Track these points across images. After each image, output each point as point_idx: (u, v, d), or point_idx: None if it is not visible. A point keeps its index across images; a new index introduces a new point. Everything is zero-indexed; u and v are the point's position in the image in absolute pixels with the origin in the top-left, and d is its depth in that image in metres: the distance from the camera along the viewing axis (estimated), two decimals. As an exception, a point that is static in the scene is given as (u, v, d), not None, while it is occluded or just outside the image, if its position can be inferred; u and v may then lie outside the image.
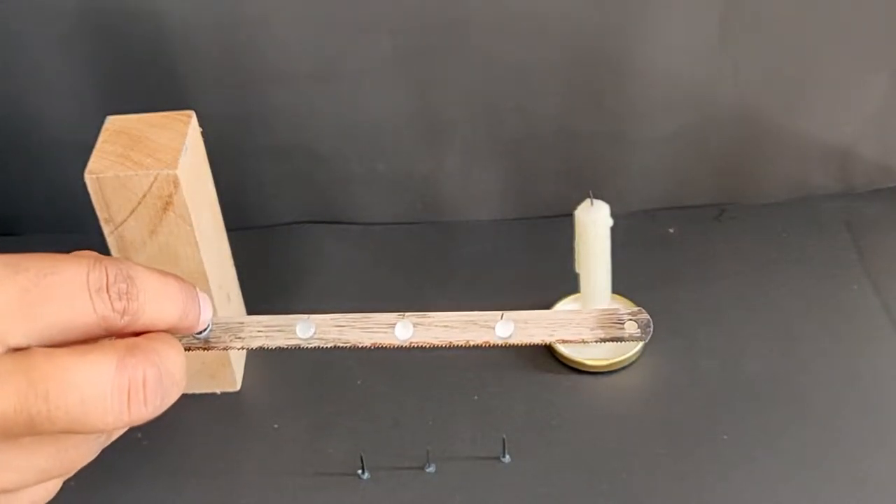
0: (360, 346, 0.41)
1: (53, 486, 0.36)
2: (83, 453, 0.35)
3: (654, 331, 0.66)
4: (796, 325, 0.68)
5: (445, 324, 0.41)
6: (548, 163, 0.76)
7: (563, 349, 0.66)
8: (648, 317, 0.41)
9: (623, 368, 0.66)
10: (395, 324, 0.41)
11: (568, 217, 0.63)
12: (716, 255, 0.74)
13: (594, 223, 0.62)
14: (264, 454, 0.63)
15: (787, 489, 0.58)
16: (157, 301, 0.35)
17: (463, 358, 0.67)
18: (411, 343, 0.41)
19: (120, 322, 0.34)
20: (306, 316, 0.41)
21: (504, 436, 0.60)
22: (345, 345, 0.41)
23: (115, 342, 0.34)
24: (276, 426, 0.64)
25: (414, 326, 0.41)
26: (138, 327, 0.35)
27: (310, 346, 0.41)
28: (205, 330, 0.40)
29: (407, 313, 0.41)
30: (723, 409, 0.63)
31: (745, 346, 0.66)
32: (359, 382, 0.66)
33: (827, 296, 0.70)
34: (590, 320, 0.41)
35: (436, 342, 0.41)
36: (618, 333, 0.41)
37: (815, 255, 0.73)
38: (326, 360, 0.68)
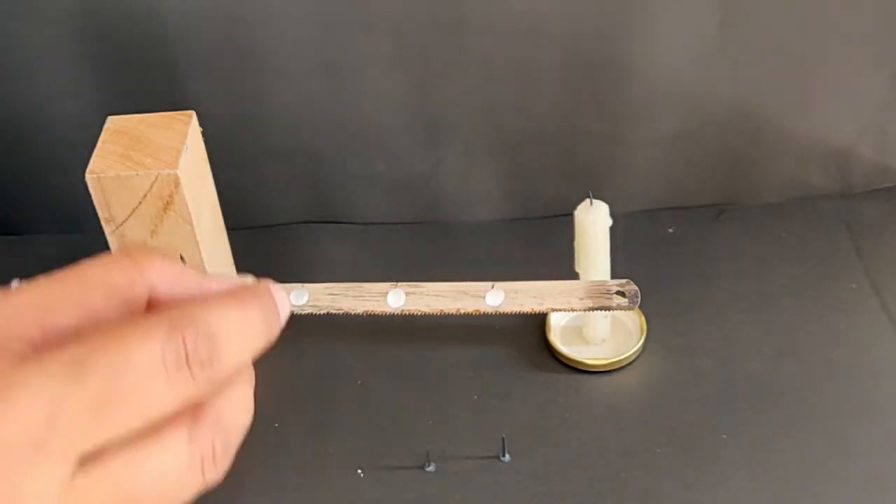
0: (352, 313, 0.41)
1: None
2: None
3: (654, 330, 0.67)
4: (795, 325, 0.68)
5: (437, 293, 0.41)
6: (548, 163, 0.76)
7: (564, 349, 0.66)
8: (636, 287, 0.41)
9: (623, 368, 0.66)
10: (387, 292, 0.41)
11: (568, 217, 0.63)
12: (716, 255, 0.74)
13: (594, 223, 0.62)
14: (265, 453, 0.63)
15: (787, 489, 0.58)
16: (242, 347, 0.32)
17: (463, 358, 0.67)
18: (403, 311, 0.41)
19: (203, 392, 0.31)
20: (300, 284, 0.41)
21: (504, 435, 0.60)
22: (337, 311, 0.41)
23: (180, 414, 0.31)
24: (276, 425, 0.64)
25: (406, 295, 0.41)
26: (225, 380, 0.32)
27: (303, 312, 0.41)
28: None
29: (399, 283, 0.41)
30: (723, 409, 0.63)
31: (744, 346, 0.67)
32: (359, 382, 0.66)
33: (827, 296, 0.70)
34: (579, 290, 0.41)
35: (427, 310, 0.41)
36: (606, 303, 0.41)
37: (815, 255, 0.73)
38: (327, 359, 0.68)
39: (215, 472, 0.32)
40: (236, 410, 0.33)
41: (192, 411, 0.32)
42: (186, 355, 0.30)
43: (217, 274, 0.43)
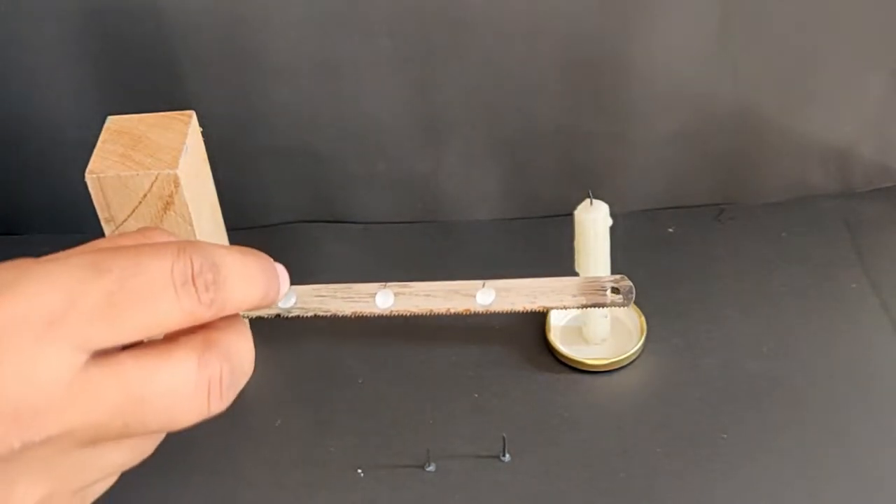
0: (340, 315, 0.41)
1: (118, 474, 0.37)
2: (153, 444, 0.36)
3: (654, 330, 0.67)
4: (796, 325, 0.68)
5: (427, 293, 0.41)
6: (548, 163, 0.76)
7: (564, 349, 0.66)
8: (630, 283, 0.40)
9: (623, 368, 0.66)
10: (375, 293, 0.41)
11: (568, 217, 0.63)
12: (716, 255, 0.74)
13: (594, 223, 0.62)
14: (266, 452, 0.63)
15: (787, 489, 0.58)
16: (242, 286, 0.35)
17: (463, 358, 0.67)
18: (392, 312, 0.41)
19: (207, 314, 0.33)
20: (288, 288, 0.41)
21: (504, 435, 0.60)
22: (325, 314, 0.41)
23: (192, 338, 0.34)
24: (277, 423, 0.64)
25: (395, 296, 0.41)
26: (224, 314, 0.34)
27: (290, 315, 0.40)
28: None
29: (388, 283, 0.41)
30: (723, 409, 0.63)
31: (744, 346, 0.67)
32: (360, 381, 0.66)
33: (827, 296, 0.70)
34: (572, 287, 0.40)
35: (417, 310, 0.41)
36: (600, 300, 0.40)
37: (815, 255, 0.73)
38: (328, 358, 0.68)
39: (220, 402, 0.34)
40: (241, 352, 0.35)
41: (203, 339, 0.34)
42: (193, 275, 0.33)
43: None
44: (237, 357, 0.35)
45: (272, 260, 0.37)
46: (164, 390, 0.32)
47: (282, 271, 0.38)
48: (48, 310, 0.31)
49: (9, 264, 0.32)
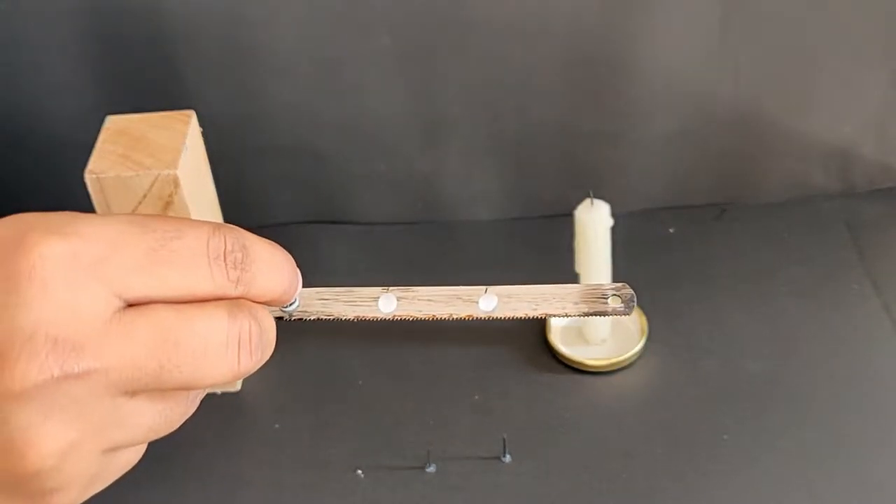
0: (343, 318, 0.41)
1: (143, 448, 0.37)
2: (184, 412, 0.37)
3: (654, 331, 0.67)
4: (796, 325, 0.68)
5: (429, 297, 0.41)
6: (548, 162, 0.76)
7: (564, 350, 0.66)
8: (632, 291, 0.41)
9: (623, 368, 0.66)
10: (378, 297, 0.41)
11: (568, 217, 0.63)
12: (716, 255, 0.74)
13: (594, 223, 0.62)
14: (265, 454, 0.63)
15: (787, 489, 0.58)
16: (268, 272, 0.36)
17: (463, 358, 0.67)
18: (395, 316, 0.41)
19: (234, 291, 0.35)
20: None
21: (504, 436, 0.60)
22: (328, 317, 0.41)
23: (221, 301, 0.35)
24: (276, 426, 0.64)
25: (398, 300, 0.41)
26: (249, 297, 0.36)
27: (292, 318, 0.41)
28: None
29: (391, 287, 0.41)
30: (723, 409, 0.63)
31: (745, 346, 0.66)
32: (359, 382, 0.66)
33: (827, 296, 0.70)
34: (573, 295, 0.41)
35: (419, 315, 0.41)
36: (601, 308, 0.40)
37: (815, 255, 0.73)
38: (327, 359, 0.68)
39: (250, 359, 0.35)
40: (267, 321, 0.36)
41: (233, 301, 0.35)
42: (225, 252, 0.35)
43: None
44: (264, 321, 0.36)
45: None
46: (199, 336, 0.34)
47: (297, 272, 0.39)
48: (95, 252, 0.33)
49: (61, 213, 0.34)
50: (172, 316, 0.34)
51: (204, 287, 0.34)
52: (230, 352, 0.35)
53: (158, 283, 0.34)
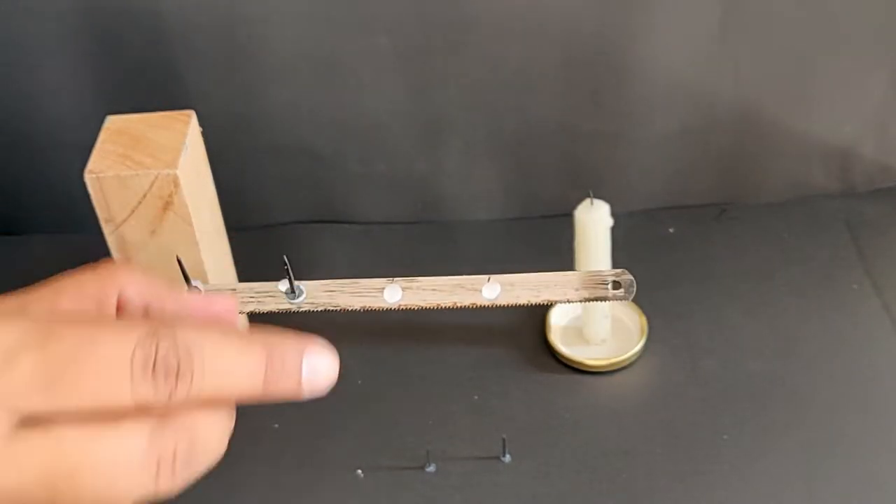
0: (349, 309, 0.41)
1: None
2: None
3: (654, 331, 0.67)
4: (796, 325, 0.68)
5: (434, 287, 0.41)
6: (548, 162, 0.76)
7: (564, 349, 0.66)
8: (632, 277, 0.41)
9: (623, 368, 0.66)
10: (383, 288, 0.41)
11: (568, 217, 0.63)
12: (716, 255, 0.74)
13: (594, 223, 0.62)
14: (264, 454, 0.63)
15: (788, 489, 0.58)
16: (225, 375, 0.32)
17: (462, 358, 0.67)
18: (400, 306, 0.41)
19: (164, 402, 0.31)
20: (296, 282, 0.42)
21: (504, 436, 0.60)
22: (335, 308, 0.41)
23: (145, 415, 0.31)
24: (276, 426, 0.64)
25: (403, 290, 0.41)
26: (192, 405, 0.31)
27: (300, 310, 0.41)
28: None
29: (396, 278, 0.42)
30: (723, 409, 0.63)
31: (745, 346, 0.66)
32: (359, 382, 0.66)
33: (827, 296, 0.70)
34: (574, 281, 0.41)
35: (424, 305, 0.41)
36: (602, 293, 0.41)
37: (815, 255, 0.73)
38: (326, 359, 0.68)
39: (171, 481, 0.31)
40: (209, 431, 0.32)
41: (162, 413, 0.31)
42: (155, 363, 0.30)
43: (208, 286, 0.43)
44: (202, 435, 0.32)
45: (299, 348, 0.34)
46: (104, 462, 0.30)
47: (319, 359, 0.36)
48: None
49: None
50: (75, 440, 0.30)
51: (121, 401, 0.30)
52: (146, 473, 0.31)
53: (62, 399, 0.30)
